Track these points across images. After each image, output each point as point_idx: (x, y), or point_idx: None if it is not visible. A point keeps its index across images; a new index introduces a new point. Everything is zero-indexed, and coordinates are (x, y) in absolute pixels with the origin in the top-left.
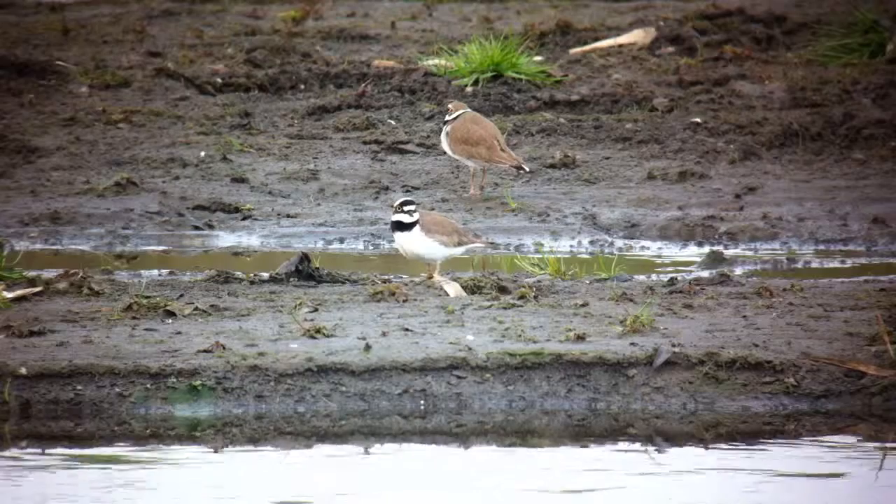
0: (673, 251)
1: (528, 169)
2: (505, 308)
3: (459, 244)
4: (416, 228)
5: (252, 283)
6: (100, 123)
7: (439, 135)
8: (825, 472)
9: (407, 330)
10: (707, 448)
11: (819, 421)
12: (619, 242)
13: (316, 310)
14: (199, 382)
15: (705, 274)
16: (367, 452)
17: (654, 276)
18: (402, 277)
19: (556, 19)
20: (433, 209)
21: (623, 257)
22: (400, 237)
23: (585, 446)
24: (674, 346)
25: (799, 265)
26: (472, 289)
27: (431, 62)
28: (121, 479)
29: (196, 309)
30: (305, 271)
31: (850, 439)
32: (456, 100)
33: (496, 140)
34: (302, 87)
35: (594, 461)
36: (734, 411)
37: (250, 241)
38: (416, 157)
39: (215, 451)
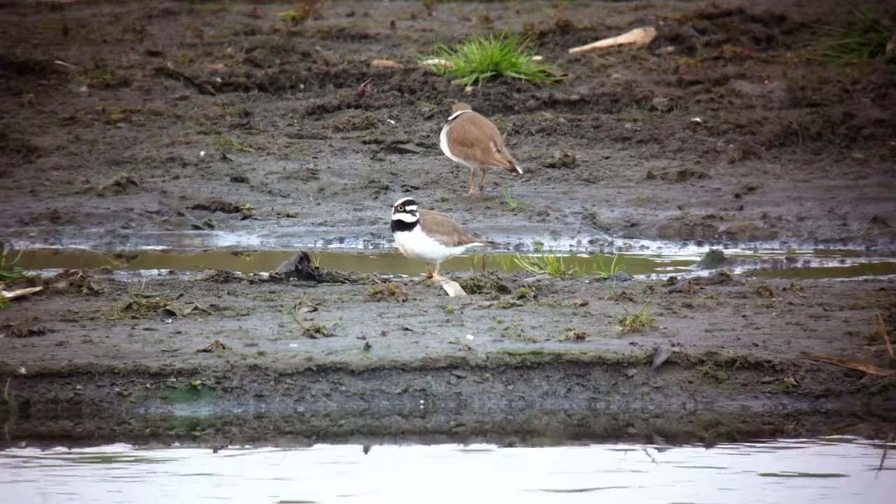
0: (672, 250)
1: (520, 171)
2: (504, 308)
3: (459, 244)
4: (417, 228)
5: (252, 282)
6: (99, 123)
7: (439, 135)
8: (825, 472)
9: (407, 329)
10: (707, 448)
11: (819, 421)
12: (619, 242)
13: (316, 309)
14: (198, 382)
15: (705, 273)
16: (366, 452)
17: (653, 276)
18: (402, 277)
19: (556, 19)
20: (433, 209)
21: (623, 257)
22: (401, 237)
23: (585, 446)
24: (673, 345)
25: (799, 265)
26: (472, 288)
27: (431, 62)
28: (120, 479)
29: (196, 308)
30: (305, 271)
31: (850, 439)
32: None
33: (492, 141)
34: (302, 86)
35: (594, 461)
36: (734, 411)
37: (250, 240)
38: (416, 157)
39: (215, 451)
